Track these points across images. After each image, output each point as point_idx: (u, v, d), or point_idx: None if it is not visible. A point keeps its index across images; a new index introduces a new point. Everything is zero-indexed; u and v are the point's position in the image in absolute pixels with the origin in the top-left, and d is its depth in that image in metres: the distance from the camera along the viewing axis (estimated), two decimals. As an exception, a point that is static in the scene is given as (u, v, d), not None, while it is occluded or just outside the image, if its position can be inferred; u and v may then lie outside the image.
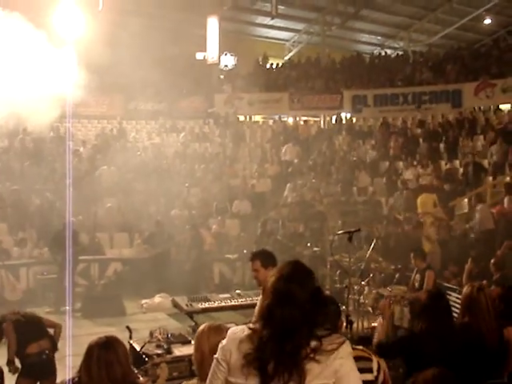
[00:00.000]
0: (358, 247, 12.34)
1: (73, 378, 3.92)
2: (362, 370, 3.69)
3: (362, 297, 10.07)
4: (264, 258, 5.94)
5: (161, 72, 24.25)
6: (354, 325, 9.00)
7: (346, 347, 2.69)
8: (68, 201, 10.70)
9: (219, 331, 3.86)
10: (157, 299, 12.69)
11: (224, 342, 2.81)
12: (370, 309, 10.00)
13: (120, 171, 18.24)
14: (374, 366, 4.10)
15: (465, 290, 5.19)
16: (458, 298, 9.93)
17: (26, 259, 13.94)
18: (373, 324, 9.79)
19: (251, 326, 2.77)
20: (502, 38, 30.10)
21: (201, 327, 3.98)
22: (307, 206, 17.00)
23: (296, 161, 20.33)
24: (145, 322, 11.49)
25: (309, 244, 14.04)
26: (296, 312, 2.65)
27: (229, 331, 2.84)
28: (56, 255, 12.86)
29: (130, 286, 13.43)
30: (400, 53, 31.03)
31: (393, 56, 30.37)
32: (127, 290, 13.18)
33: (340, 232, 7.92)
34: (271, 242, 14.57)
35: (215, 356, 2.84)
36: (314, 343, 2.62)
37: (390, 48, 33.73)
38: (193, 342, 6.31)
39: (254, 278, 5.98)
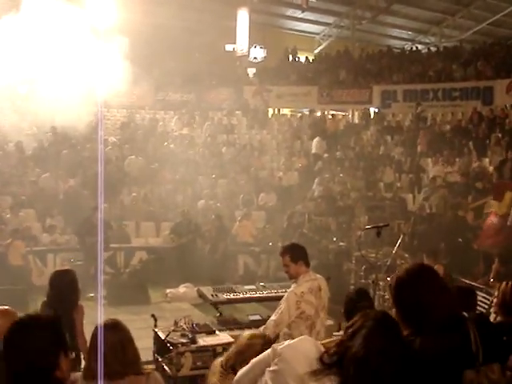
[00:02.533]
0: (385, 243, 12.27)
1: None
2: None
3: (387, 293, 10.01)
4: (294, 252, 5.94)
5: (190, 63, 24.35)
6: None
7: None
8: (100, 188, 10.77)
9: (252, 346, 3.90)
10: (181, 289, 12.75)
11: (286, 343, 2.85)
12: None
13: (147, 161, 18.33)
14: None
15: (502, 287, 5.03)
16: (484, 297, 9.87)
17: (53, 245, 14.10)
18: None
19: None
20: (535, 34, 29.64)
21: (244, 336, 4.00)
22: (334, 201, 16.96)
23: (325, 155, 20.21)
24: (169, 311, 11.56)
25: (335, 238, 14.01)
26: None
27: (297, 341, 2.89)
28: (84, 241, 13.00)
29: (155, 275, 13.50)
30: (431, 48, 30.67)
31: (424, 51, 30.03)
32: (152, 279, 13.26)
33: (368, 227, 7.87)
34: (297, 235, 14.56)
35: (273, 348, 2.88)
36: None
37: (421, 43, 33.41)
38: (217, 332, 6.40)
39: (285, 272, 5.98)
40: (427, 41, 33.97)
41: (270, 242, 14.90)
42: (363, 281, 11.21)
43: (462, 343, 2.95)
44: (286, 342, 2.86)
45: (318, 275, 6.02)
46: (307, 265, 5.93)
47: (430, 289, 3.03)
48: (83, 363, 6.19)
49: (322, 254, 13.93)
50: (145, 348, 7.41)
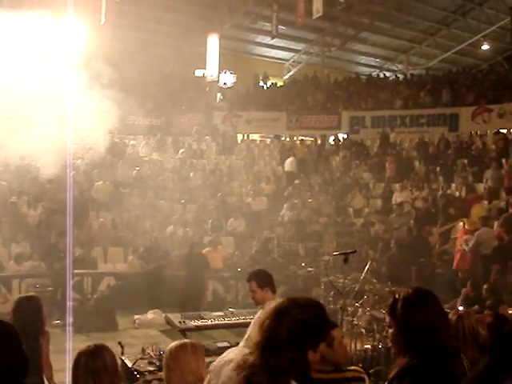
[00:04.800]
0: (353, 268, 12.32)
1: None
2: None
3: (355, 318, 10.03)
4: (260, 278, 5.92)
5: (160, 88, 24.41)
6: (347, 347, 9.00)
7: None
8: (69, 213, 10.68)
9: (184, 349, 3.91)
10: (149, 315, 12.62)
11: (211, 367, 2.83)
12: (363, 330, 9.95)
13: (116, 186, 18.20)
14: None
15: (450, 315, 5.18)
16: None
17: (18, 271, 13.87)
18: (366, 346, 9.76)
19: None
20: (498, 63, 30.34)
21: (169, 346, 4.00)
22: (303, 226, 17.02)
23: (295, 181, 20.27)
24: (137, 338, 11.42)
25: (303, 264, 14.03)
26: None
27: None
28: (51, 267, 12.82)
29: (123, 301, 13.31)
30: (399, 75, 31.20)
31: (391, 78, 30.53)
32: (120, 305, 13.05)
33: (336, 253, 7.90)
34: (266, 260, 14.56)
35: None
36: None
37: (388, 70, 33.96)
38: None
39: (252, 298, 5.97)
40: (395, 68, 34.55)
41: (238, 268, 14.83)
42: (332, 306, 11.20)
43: (462, 371, 3.00)
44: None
45: (286, 301, 5.99)
46: (273, 291, 5.92)
47: (439, 313, 3.08)
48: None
49: (290, 280, 13.94)
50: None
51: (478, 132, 22.94)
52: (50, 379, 6.14)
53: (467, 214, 14.91)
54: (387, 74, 32.35)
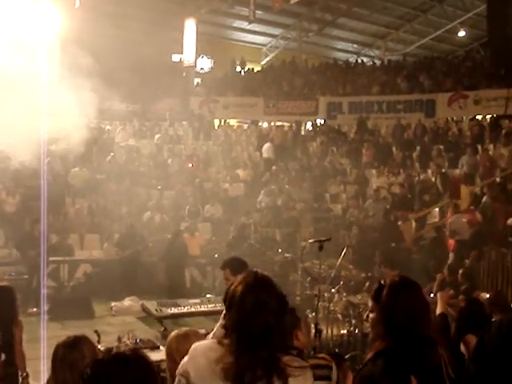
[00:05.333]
0: (330, 254, 12.36)
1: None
2: (320, 378, 3.71)
3: (331, 304, 10.07)
4: (234, 266, 5.88)
5: (136, 73, 24.16)
6: (324, 332, 9.05)
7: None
8: (43, 200, 10.56)
9: (187, 338, 3.88)
10: (126, 302, 12.58)
11: (185, 358, 2.80)
12: (339, 316, 10.00)
13: (92, 172, 18.04)
14: (334, 374, 4.08)
15: None
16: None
17: (-7, 259, 13.75)
18: (342, 331, 9.82)
19: (220, 340, 2.73)
20: (475, 50, 30.49)
21: (169, 336, 3.97)
22: (280, 212, 17.04)
23: (273, 167, 20.25)
24: (114, 326, 11.38)
25: (280, 250, 14.04)
26: (270, 319, 2.64)
27: (190, 349, 2.82)
28: (26, 254, 12.70)
29: (100, 289, 13.28)
30: (376, 61, 31.25)
31: (368, 64, 30.55)
32: (97, 293, 13.00)
33: (311, 240, 7.90)
34: (243, 246, 14.55)
35: (177, 372, 2.83)
36: (286, 358, 2.62)
37: (366, 56, 33.99)
38: (161, 347, 6.32)
39: (227, 285, 5.94)
40: (372, 54, 34.59)
41: (215, 254, 14.80)
42: (309, 292, 11.24)
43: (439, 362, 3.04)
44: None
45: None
46: (248, 279, 5.89)
47: (422, 302, 3.11)
48: (20, 381, 6.06)
49: (267, 266, 13.94)
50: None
51: (454, 118, 23.11)
52: (23, 369, 6.09)
53: (456, 193, 15.02)
54: (365, 59, 32.37)
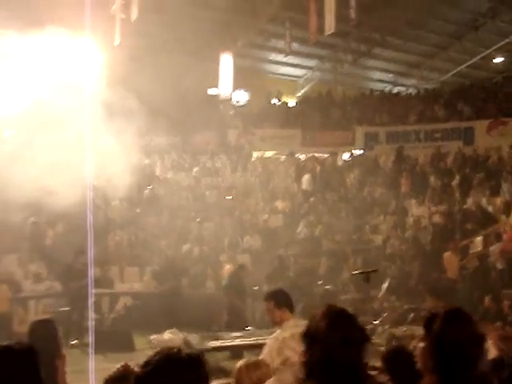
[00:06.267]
0: (370, 286, 12.21)
1: None
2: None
3: (374, 336, 9.92)
4: (278, 298, 5.85)
5: (175, 107, 24.45)
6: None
7: None
8: (89, 232, 10.66)
9: (258, 367, 3.89)
10: (166, 335, 12.49)
11: None
12: (382, 349, 9.83)
13: (131, 205, 18.21)
14: None
15: None
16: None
17: (35, 292, 13.87)
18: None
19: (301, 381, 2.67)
20: (512, 76, 30.15)
21: (239, 364, 3.95)
22: (319, 243, 16.95)
23: (311, 199, 20.20)
24: (154, 359, 11.36)
25: (320, 282, 13.94)
26: (356, 354, 2.58)
27: None
28: (68, 286, 12.79)
29: (140, 321, 13.30)
30: (412, 90, 31.10)
31: (404, 93, 30.44)
32: (136, 325, 13.04)
33: (357, 272, 7.75)
34: (283, 278, 14.48)
35: None
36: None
37: (401, 85, 33.87)
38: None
39: (269, 318, 5.90)
40: (408, 83, 34.45)
41: (255, 286, 14.73)
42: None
43: None
44: None
45: (304, 321, 5.91)
46: (291, 311, 5.84)
47: (478, 336, 2.96)
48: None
49: (308, 298, 13.84)
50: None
51: (494, 145, 22.78)
52: None
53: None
54: (400, 89, 32.25)
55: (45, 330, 6.01)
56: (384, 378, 3.64)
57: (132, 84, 19.79)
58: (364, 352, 2.62)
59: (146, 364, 2.24)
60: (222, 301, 14.65)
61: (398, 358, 4.49)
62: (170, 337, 12.49)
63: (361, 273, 7.31)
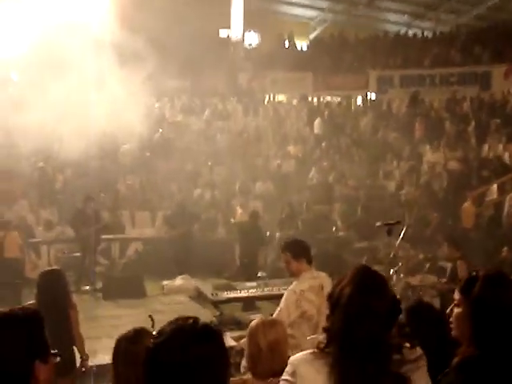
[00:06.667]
0: (385, 234, 12.03)
1: None
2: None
3: (390, 285, 9.79)
4: (295, 248, 5.68)
5: (185, 49, 23.97)
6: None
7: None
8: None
9: (274, 326, 3.77)
10: (178, 281, 12.49)
11: (286, 376, 2.54)
12: (398, 298, 9.71)
13: (142, 149, 17.97)
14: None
15: None
16: None
17: (47, 238, 13.81)
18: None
19: (322, 347, 2.49)
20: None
21: (254, 322, 3.81)
22: (332, 189, 16.74)
23: (323, 144, 19.92)
24: (166, 305, 11.36)
25: (334, 228, 13.76)
26: (376, 328, 2.38)
27: (290, 361, 2.57)
28: (79, 232, 12.69)
29: (151, 267, 13.25)
30: (427, 33, 30.34)
31: (420, 36, 29.69)
32: (148, 271, 12.97)
33: (379, 223, 7.46)
34: (295, 225, 14.35)
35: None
36: (396, 357, 2.38)
37: (417, 28, 33.03)
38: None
39: (286, 269, 5.76)
40: (424, 25, 33.59)
41: (267, 232, 14.58)
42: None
43: None
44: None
45: (322, 273, 5.76)
46: (309, 262, 5.67)
47: None
48: (78, 362, 5.99)
49: (320, 244, 13.70)
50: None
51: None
52: (83, 351, 6.04)
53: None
54: (416, 31, 31.48)
55: (54, 280, 5.92)
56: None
57: (141, 26, 19.36)
58: (392, 326, 2.42)
59: (159, 334, 2.04)
60: (233, 246, 14.62)
61: (420, 312, 4.31)
62: (181, 282, 12.48)
63: (384, 224, 7.02)
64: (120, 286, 11.78)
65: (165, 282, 12.57)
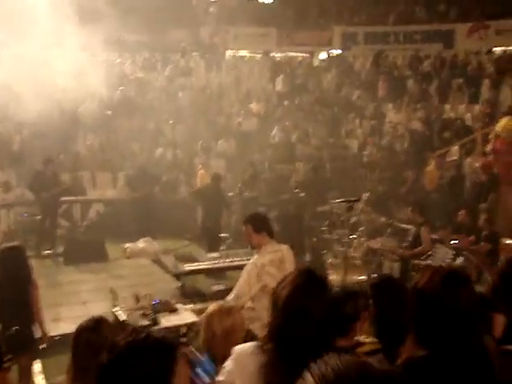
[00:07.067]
0: (347, 195, 12.07)
1: None
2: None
3: (351, 249, 9.85)
4: (256, 222, 5.71)
5: (144, 2, 23.35)
6: (343, 277, 8.87)
7: None
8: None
9: (230, 314, 3.76)
10: (140, 244, 12.38)
11: (229, 363, 2.55)
12: (358, 262, 9.80)
13: (101, 108, 17.58)
14: None
15: None
16: (447, 251, 9.85)
17: (5, 201, 13.51)
18: (360, 277, 9.63)
19: (261, 345, 2.49)
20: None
21: (211, 308, 3.80)
22: (294, 148, 16.69)
23: (285, 102, 19.77)
24: (129, 268, 11.31)
25: (296, 190, 13.74)
26: (311, 330, 2.36)
27: (235, 351, 2.57)
28: (38, 195, 12.44)
29: (113, 229, 13.11)
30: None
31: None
32: (110, 233, 12.82)
33: (338, 200, 7.46)
34: (258, 185, 14.31)
35: (220, 378, 2.60)
36: None
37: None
38: (180, 309, 6.13)
39: (247, 242, 5.78)
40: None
41: (230, 193, 14.49)
42: (327, 236, 11.01)
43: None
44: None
45: (283, 245, 5.79)
46: (270, 235, 5.72)
47: (473, 298, 2.67)
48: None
49: (282, 205, 13.72)
50: (103, 313, 7.12)
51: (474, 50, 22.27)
52: (43, 329, 5.98)
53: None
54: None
55: (15, 257, 5.82)
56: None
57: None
58: (326, 329, 2.42)
59: (112, 349, 2.00)
60: (195, 207, 14.54)
61: (385, 287, 4.31)
62: (144, 245, 12.40)
63: (342, 201, 7.03)
64: (82, 250, 11.62)
65: (127, 245, 12.42)
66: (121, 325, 5.67)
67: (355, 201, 7.00)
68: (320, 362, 1.66)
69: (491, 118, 15.47)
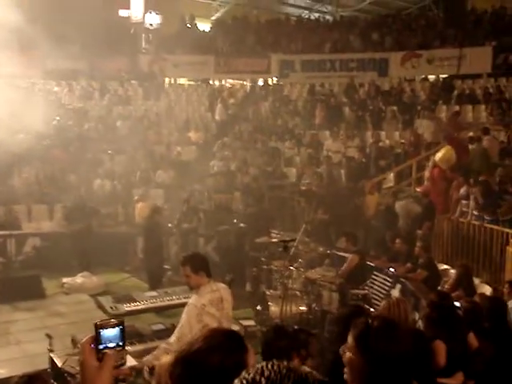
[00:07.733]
0: (285, 226, 12.20)
1: None
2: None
3: (290, 281, 9.89)
4: (194, 262, 5.72)
5: (82, 29, 23.17)
6: (283, 308, 8.93)
7: None
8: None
9: None
10: (79, 279, 12.14)
11: None
12: (298, 293, 9.86)
13: (37, 138, 17.27)
14: None
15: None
16: (385, 279, 10.03)
17: None
18: (301, 308, 9.69)
19: None
20: (427, 7, 30.13)
21: (163, 361, 3.75)
22: (234, 177, 16.75)
23: (224, 130, 19.89)
24: (67, 305, 11.04)
25: (235, 220, 13.77)
26: None
27: None
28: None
29: (50, 264, 12.81)
30: (328, 17, 30.68)
31: (321, 20, 29.99)
32: (47, 268, 12.52)
33: (275, 240, 7.53)
34: (197, 217, 14.28)
35: None
36: None
37: (318, 12, 33.30)
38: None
39: (186, 283, 5.77)
40: (324, 9, 33.90)
41: (169, 223, 14.39)
42: (265, 267, 11.03)
43: None
44: None
45: (221, 284, 5.82)
46: (208, 275, 5.73)
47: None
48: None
49: (222, 236, 13.73)
50: (39, 354, 6.94)
51: (408, 78, 22.96)
52: None
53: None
54: (317, 15, 31.75)
55: None
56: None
57: (33, 5, 18.55)
58: None
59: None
60: (135, 240, 14.40)
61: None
62: (82, 280, 12.16)
63: (280, 241, 7.11)
64: (17, 287, 11.28)
65: (65, 280, 12.14)
66: (58, 372, 5.54)
67: (291, 241, 7.05)
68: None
69: (420, 146, 15.97)
